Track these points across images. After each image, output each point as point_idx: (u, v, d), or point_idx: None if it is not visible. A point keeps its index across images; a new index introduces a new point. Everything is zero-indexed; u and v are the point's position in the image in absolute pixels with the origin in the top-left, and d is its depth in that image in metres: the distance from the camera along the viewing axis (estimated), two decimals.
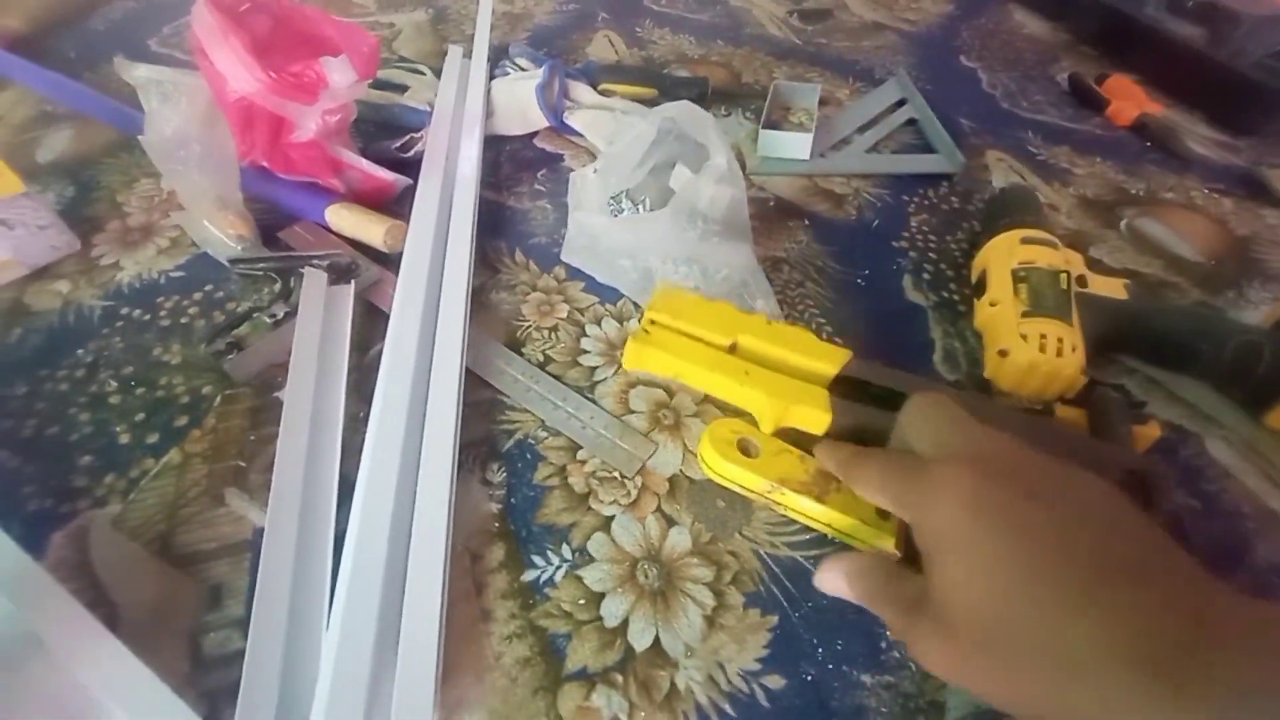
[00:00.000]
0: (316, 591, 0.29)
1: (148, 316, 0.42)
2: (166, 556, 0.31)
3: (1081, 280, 0.39)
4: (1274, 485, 0.34)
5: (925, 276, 0.46)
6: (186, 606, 0.29)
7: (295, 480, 0.32)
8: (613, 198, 0.45)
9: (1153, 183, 0.54)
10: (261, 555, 0.29)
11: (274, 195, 0.48)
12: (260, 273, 0.44)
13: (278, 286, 0.43)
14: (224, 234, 0.44)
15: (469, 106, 0.57)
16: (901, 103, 0.63)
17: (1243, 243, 0.48)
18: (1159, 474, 0.29)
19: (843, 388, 0.34)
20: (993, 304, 0.39)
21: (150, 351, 0.40)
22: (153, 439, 0.36)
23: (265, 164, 0.45)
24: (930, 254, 0.47)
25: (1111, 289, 0.39)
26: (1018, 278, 0.39)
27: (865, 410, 0.32)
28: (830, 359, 0.34)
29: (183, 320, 0.42)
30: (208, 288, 0.44)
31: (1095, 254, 0.48)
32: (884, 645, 0.28)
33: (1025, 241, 0.41)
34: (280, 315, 0.40)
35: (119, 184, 0.52)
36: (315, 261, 0.43)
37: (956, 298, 0.44)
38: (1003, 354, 0.36)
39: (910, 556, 0.25)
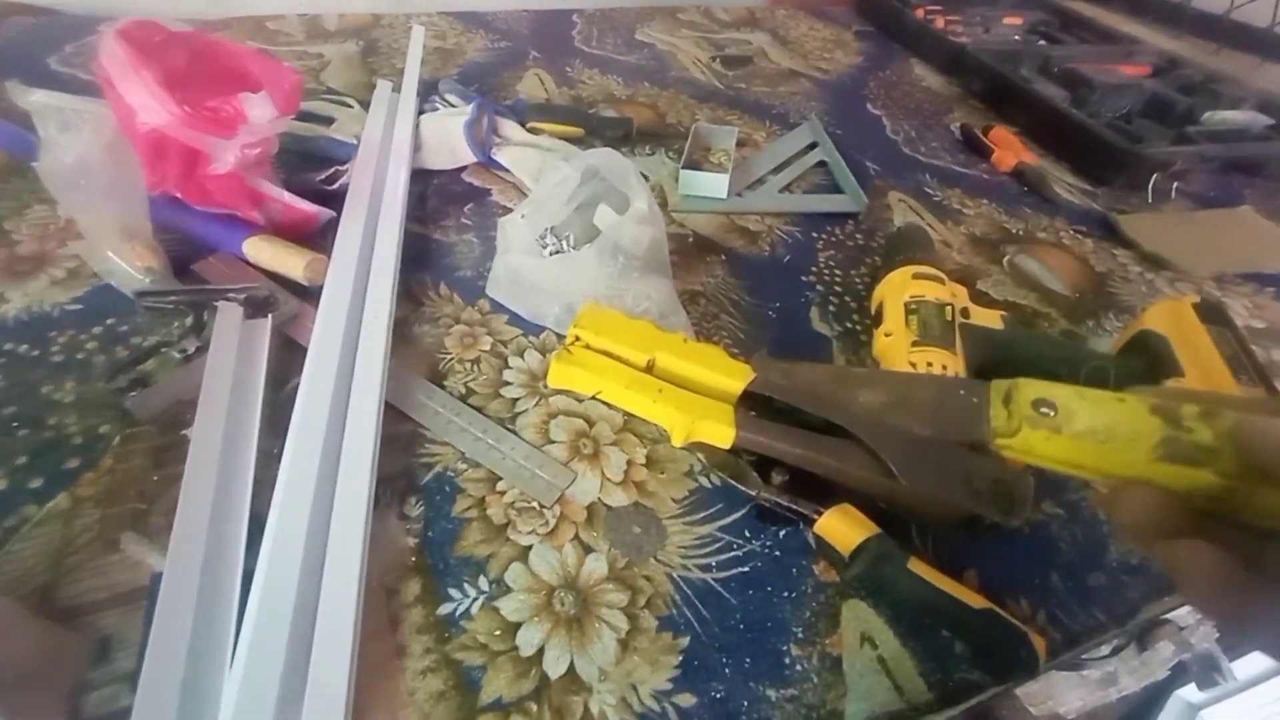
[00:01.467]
0: (220, 636, 0.28)
1: (36, 353, 0.40)
2: (47, 610, 0.29)
3: (965, 312, 0.43)
4: None
5: (831, 308, 0.49)
6: (67, 663, 0.28)
7: (200, 520, 0.31)
8: (539, 237, 0.47)
9: (1029, 223, 0.61)
10: (158, 600, 0.28)
11: (189, 226, 0.47)
12: (170, 306, 0.42)
13: (189, 320, 0.42)
14: (131, 266, 0.43)
15: (396, 140, 0.58)
16: (813, 145, 0.68)
17: (1100, 278, 0.54)
18: (1024, 484, 0.33)
19: (751, 403, 0.36)
20: (887, 334, 0.42)
21: (37, 390, 0.38)
22: (36, 484, 0.34)
23: (179, 195, 0.44)
24: (836, 287, 0.51)
25: (990, 319, 0.43)
26: (909, 310, 0.43)
27: (768, 425, 0.35)
28: (739, 375, 0.36)
29: (79, 356, 0.40)
30: (109, 321, 0.42)
31: (983, 287, 0.53)
32: (788, 661, 0.30)
33: (916, 277, 0.45)
34: (191, 350, 0.39)
35: (8, 210, 0.50)
36: (231, 295, 0.42)
37: (859, 328, 0.48)
38: None
39: None
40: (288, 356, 0.41)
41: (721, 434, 0.34)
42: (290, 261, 0.44)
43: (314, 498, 0.32)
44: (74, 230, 0.48)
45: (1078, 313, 0.50)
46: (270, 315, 0.41)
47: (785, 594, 0.32)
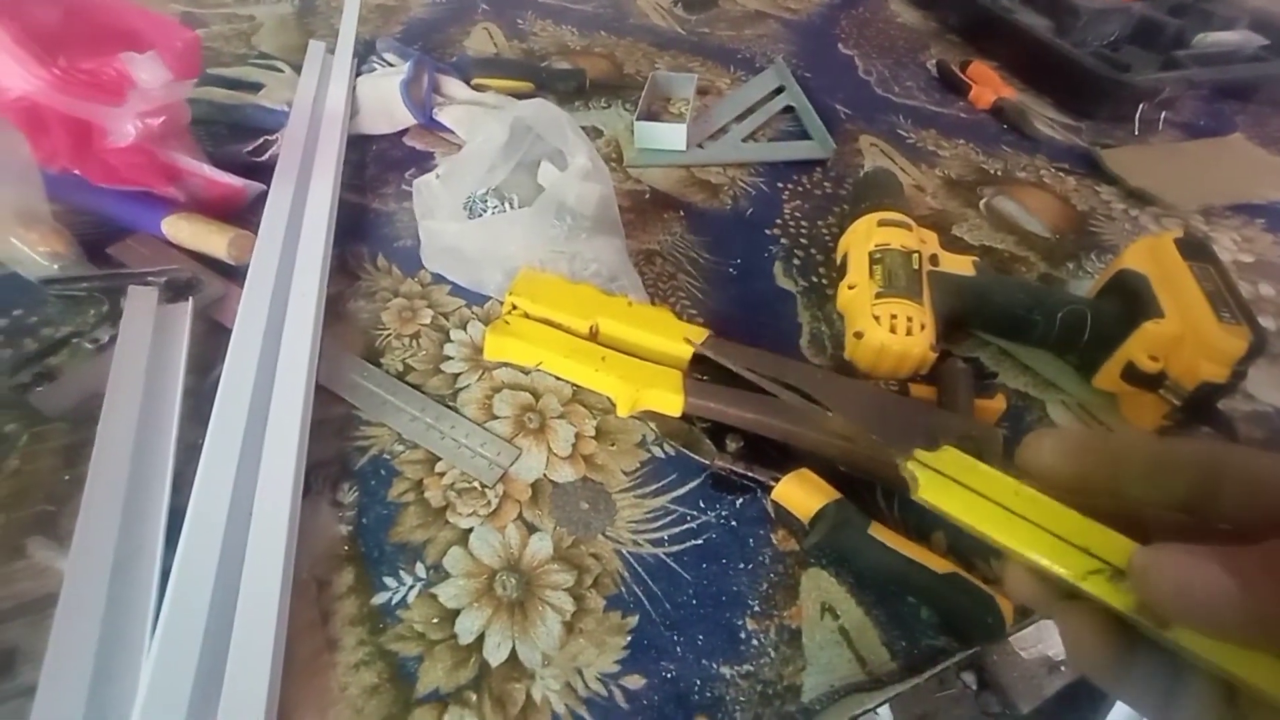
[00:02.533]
0: (132, 643, 0.26)
1: None
2: None
3: (934, 259, 0.41)
4: None
5: (795, 263, 0.47)
6: None
7: (110, 520, 0.29)
8: (479, 198, 0.44)
9: (1008, 163, 0.57)
10: (59, 605, 0.26)
11: (100, 206, 0.43)
12: (83, 293, 0.40)
13: (105, 308, 0.39)
14: (34, 252, 0.40)
15: (330, 104, 0.54)
16: (779, 90, 0.65)
17: (1082, 217, 0.52)
18: (993, 439, 0.31)
19: (702, 368, 0.34)
20: (851, 287, 0.40)
21: None
22: None
23: (77, 171, 0.41)
24: (801, 240, 0.48)
25: (961, 267, 0.41)
26: (873, 259, 0.40)
27: (717, 390, 0.32)
28: (690, 337, 0.34)
29: None
30: (16, 313, 0.39)
31: (957, 232, 0.50)
32: (743, 636, 0.28)
33: (882, 224, 0.42)
34: (105, 340, 0.36)
35: None
36: (150, 279, 0.39)
37: (824, 282, 0.45)
38: (858, 335, 0.37)
39: None
40: (214, 342, 0.38)
41: (670, 402, 0.32)
42: (213, 240, 0.41)
43: (234, 488, 0.30)
44: None
45: (1057, 255, 0.48)
46: (191, 299, 0.38)
47: (741, 566, 0.31)
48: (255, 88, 0.56)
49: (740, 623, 0.29)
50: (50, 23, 0.35)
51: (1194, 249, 0.38)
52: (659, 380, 0.32)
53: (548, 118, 0.40)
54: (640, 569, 0.30)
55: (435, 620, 0.28)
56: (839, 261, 0.44)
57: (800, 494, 0.30)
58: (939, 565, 0.28)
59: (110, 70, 0.35)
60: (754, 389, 0.33)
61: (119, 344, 0.35)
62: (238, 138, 0.51)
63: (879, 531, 0.29)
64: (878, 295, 0.38)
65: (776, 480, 0.31)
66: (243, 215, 0.45)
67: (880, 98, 0.66)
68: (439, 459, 0.34)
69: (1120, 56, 0.64)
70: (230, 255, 0.41)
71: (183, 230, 0.42)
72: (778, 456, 0.32)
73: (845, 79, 0.68)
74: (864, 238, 0.42)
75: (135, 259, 0.42)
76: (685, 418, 0.33)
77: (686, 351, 0.34)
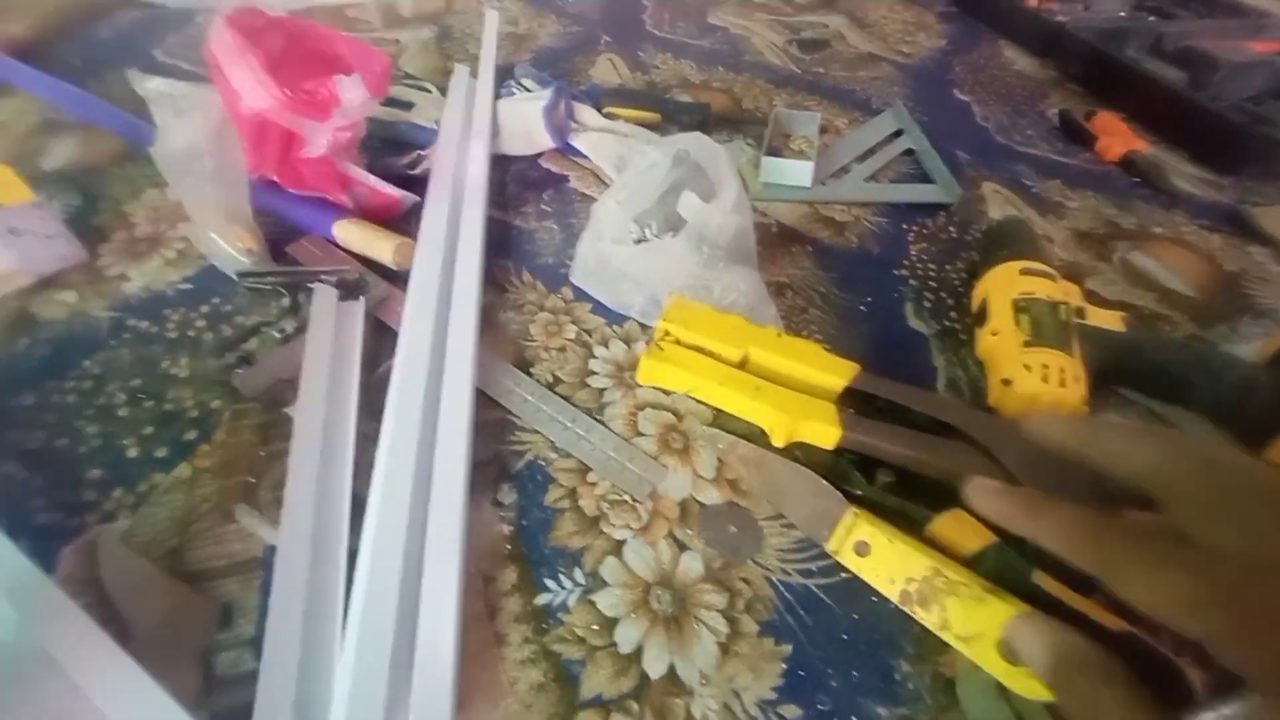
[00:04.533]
0: (330, 612, 0.28)
1: (155, 329, 0.42)
2: (177, 573, 0.30)
3: (1080, 312, 0.40)
4: None
5: (926, 304, 0.47)
6: (198, 625, 0.29)
7: (308, 499, 0.31)
8: (637, 223, 0.46)
9: (1142, 217, 0.56)
10: (275, 574, 0.29)
11: (282, 209, 0.48)
12: (268, 287, 0.44)
13: (285, 302, 0.43)
14: (232, 247, 0.44)
15: (476, 125, 0.58)
16: (898, 133, 0.65)
17: (1232, 278, 0.50)
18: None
19: (850, 401, 0.35)
20: (994, 333, 0.40)
21: (158, 364, 0.40)
22: (161, 453, 0.35)
23: (275, 179, 0.45)
24: (930, 282, 0.49)
25: (1109, 321, 0.40)
26: (1018, 308, 0.40)
27: (874, 425, 0.33)
28: (839, 372, 0.35)
29: (190, 333, 0.42)
30: (215, 300, 0.44)
31: (1091, 286, 0.49)
32: (898, 678, 0.29)
33: (1025, 273, 0.42)
34: (290, 331, 0.40)
35: (125, 194, 0.52)
36: (324, 277, 0.43)
37: (958, 326, 0.45)
38: (1006, 383, 0.37)
39: None
40: (377, 339, 0.41)
41: (825, 434, 0.33)
42: (379, 245, 0.45)
43: (413, 481, 0.32)
44: (182, 212, 0.50)
45: (1206, 316, 0.46)
46: (363, 298, 0.42)
47: (891, 605, 0.31)
48: (406, 106, 0.61)
49: (893, 663, 0.29)
50: (276, 49, 0.39)
51: None
52: (814, 412, 0.33)
53: (708, 151, 0.42)
54: (791, 598, 0.31)
55: (595, 627, 0.29)
56: (975, 307, 0.44)
57: (957, 533, 0.30)
58: (1111, 622, 0.27)
59: (324, 90, 0.39)
60: (909, 425, 0.33)
61: (310, 335, 0.38)
62: (390, 151, 0.55)
63: (1043, 580, 0.29)
64: (1026, 344, 0.38)
65: (928, 517, 0.31)
66: (396, 223, 0.49)
67: (1000, 145, 0.65)
68: (590, 469, 0.35)
69: (1264, 111, 0.62)
70: (394, 260, 0.45)
71: (352, 234, 0.46)
72: (929, 493, 0.32)
73: (963, 125, 0.68)
74: (1005, 285, 0.42)
75: (309, 258, 0.46)
76: (835, 450, 0.34)
77: (837, 385, 0.35)
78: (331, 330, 0.39)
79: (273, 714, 0.25)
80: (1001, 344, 0.39)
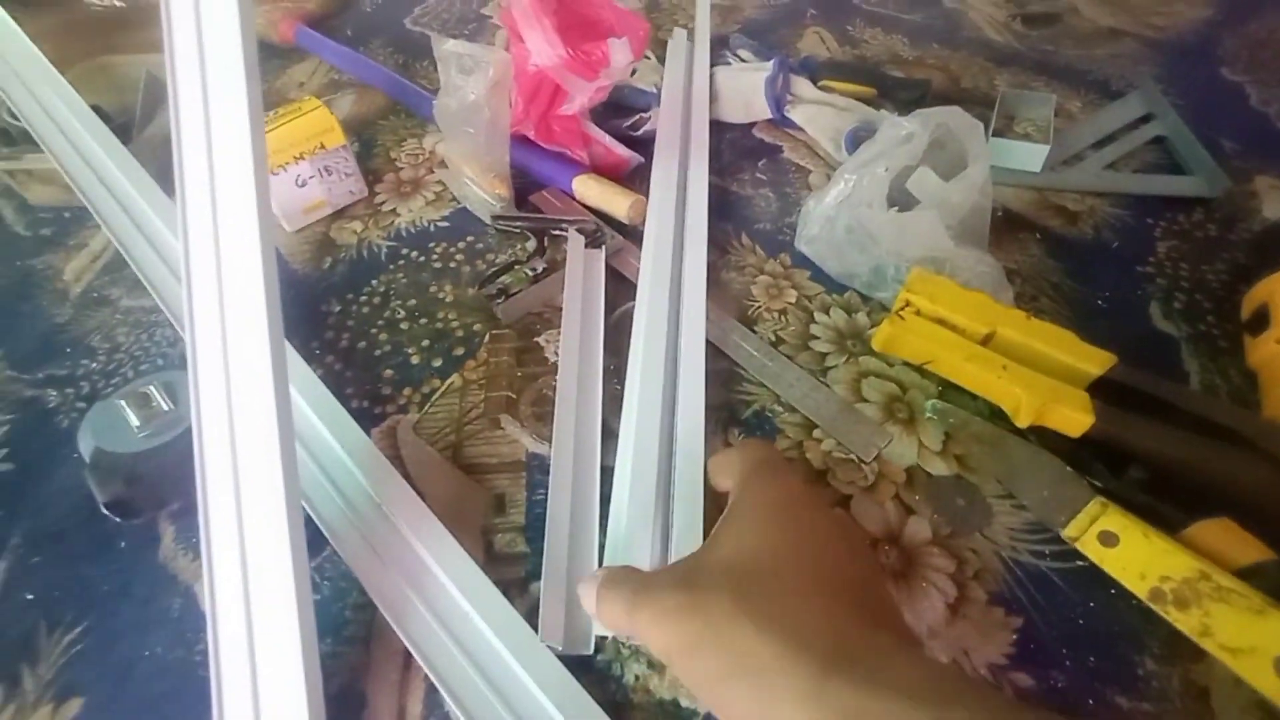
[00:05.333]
0: (589, 512, 0.33)
1: (423, 258, 0.49)
2: (458, 463, 0.36)
3: None
4: None
5: (1177, 305, 0.43)
6: (478, 508, 0.34)
7: (570, 419, 0.36)
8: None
9: None
10: (550, 478, 0.33)
11: (528, 163, 0.53)
12: (517, 230, 0.49)
13: (531, 244, 0.48)
14: (488, 194, 0.50)
15: (696, 90, 0.60)
16: (1146, 119, 0.59)
17: None
18: None
19: (1101, 392, 0.33)
20: (1278, 341, 0.36)
21: (428, 288, 0.46)
22: (437, 363, 0.41)
23: (530, 134, 0.50)
24: (1183, 283, 0.44)
25: None
26: None
27: (1131, 418, 0.32)
28: (1093, 361, 0.34)
29: (451, 265, 0.48)
30: (469, 238, 0.50)
31: None
32: (1141, 674, 0.28)
33: None
34: (540, 270, 0.45)
35: (391, 142, 0.60)
36: (565, 225, 0.48)
37: (1217, 332, 0.41)
38: None
39: None
40: (613, 286, 0.45)
41: (1074, 421, 0.32)
42: (615, 201, 0.49)
43: (660, 410, 0.35)
44: (435, 159, 0.57)
45: None
46: (603, 247, 0.46)
47: (1135, 602, 0.30)
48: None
49: (1137, 659, 0.28)
50: (552, 12, 0.43)
51: None
52: (1065, 397, 0.32)
53: (966, 125, 0.42)
54: (1022, 574, 0.31)
55: None
56: (1247, 314, 0.40)
57: (1222, 545, 0.29)
58: None
59: (599, 52, 0.43)
60: (1169, 421, 0.31)
61: (567, 275, 0.43)
62: (615, 114, 0.59)
63: None
64: None
65: (1184, 521, 0.30)
66: (622, 180, 0.53)
67: None
68: (815, 425, 0.37)
69: None
70: (628, 216, 0.48)
71: (591, 189, 0.50)
72: (1186, 495, 0.31)
73: (1232, 109, 0.60)
74: None
75: (549, 208, 0.51)
76: (1080, 439, 0.33)
77: (1090, 374, 0.34)
78: (581, 273, 0.43)
79: (554, 587, 0.30)
80: None
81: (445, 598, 0.30)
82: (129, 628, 0.32)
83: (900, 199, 0.45)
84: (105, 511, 0.34)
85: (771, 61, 0.59)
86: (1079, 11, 0.78)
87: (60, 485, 0.37)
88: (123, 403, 0.36)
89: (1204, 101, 0.60)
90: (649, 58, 0.66)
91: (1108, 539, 0.30)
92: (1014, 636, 0.29)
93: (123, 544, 0.35)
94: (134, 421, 0.35)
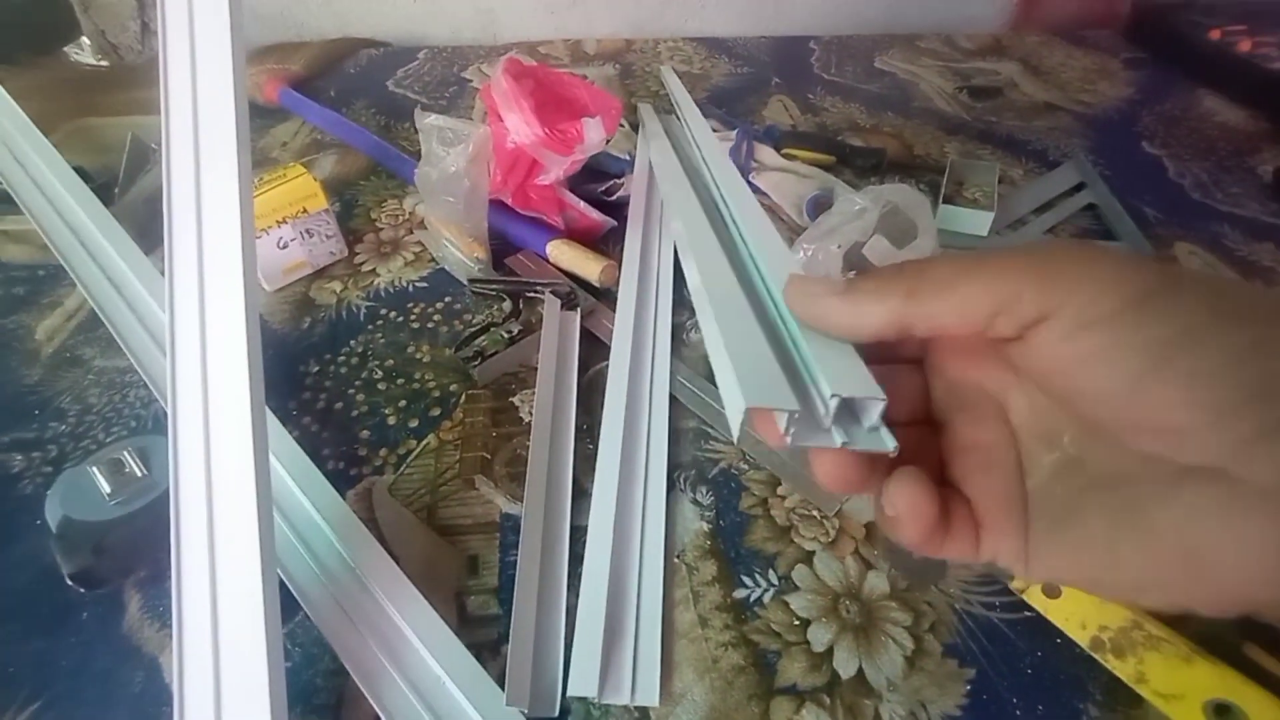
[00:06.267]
0: (558, 576, 0.34)
1: (401, 319, 0.50)
2: (432, 524, 0.37)
3: None
4: None
5: None
6: (452, 570, 0.35)
7: (541, 480, 0.37)
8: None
9: None
10: (521, 539, 0.34)
11: (505, 227, 0.56)
12: (494, 292, 0.51)
13: (507, 305, 0.50)
14: (466, 256, 0.52)
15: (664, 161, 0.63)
16: (1079, 186, 0.64)
17: None
18: None
19: None
20: None
21: (405, 349, 0.48)
22: (414, 423, 0.42)
23: (509, 201, 0.53)
24: None
25: None
26: None
27: None
28: None
29: (429, 325, 0.50)
30: (447, 299, 0.52)
31: None
32: None
33: None
34: (515, 332, 0.47)
35: (372, 203, 0.62)
36: (540, 288, 0.50)
37: None
38: None
39: None
40: (585, 346, 0.47)
41: None
42: (588, 265, 0.51)
43: (620, 470, 0.37)
44: (416, 221, 0.59)
45: None
46: (578, 309, 0.48)
47: (1078, 650, 0.31)
48: None
49: (1080, 705, 0.30)
50: (528, 92, 0.46)
51: None
52: None
53: (915, 201, 0.45)
54: (974, 625, 0.32)
55: (790, 624, 0.33)
56: None
57: None
58: None
59: (573, 130, 0.46)
60: None
61: (543, 337, 0.44)
62: (589, 179, 0.62)
63: (1254, 652, 0.28)
64: None
65: None
66: (595, 244, 0.55)
67: (1197, 203, 0.63)
68: (780, 482, 0.39)
69: None
70: (599, 279, 0.51)
71: (564, 253, 0.53)
72: None
73: (1152, 180, 0.66)
74: None
75: (525, 270, 0.54)
76: None
77: None
78: (556, 334, 0.45)
79: (521, 649, 0.30)
80: None
81: (418, 662, 0.30)
82: (89, 704, 0.31)
83: (858, 263, 0.48)
84: (70, 582, 0.33)
85: (735, 131, 0.63)
86: (1018, 86, 0.85)
87: (21, 554, 0.37)
88: (94, 469, 0.36)
89: (1128, 172, 0.66)
90: (623, 126, 0.70)
91: (1051, 590, 0.32)
92: (967, 687, 0.30)
93: (84, 614, 0.34)
94: (105, 488, 0.35)
